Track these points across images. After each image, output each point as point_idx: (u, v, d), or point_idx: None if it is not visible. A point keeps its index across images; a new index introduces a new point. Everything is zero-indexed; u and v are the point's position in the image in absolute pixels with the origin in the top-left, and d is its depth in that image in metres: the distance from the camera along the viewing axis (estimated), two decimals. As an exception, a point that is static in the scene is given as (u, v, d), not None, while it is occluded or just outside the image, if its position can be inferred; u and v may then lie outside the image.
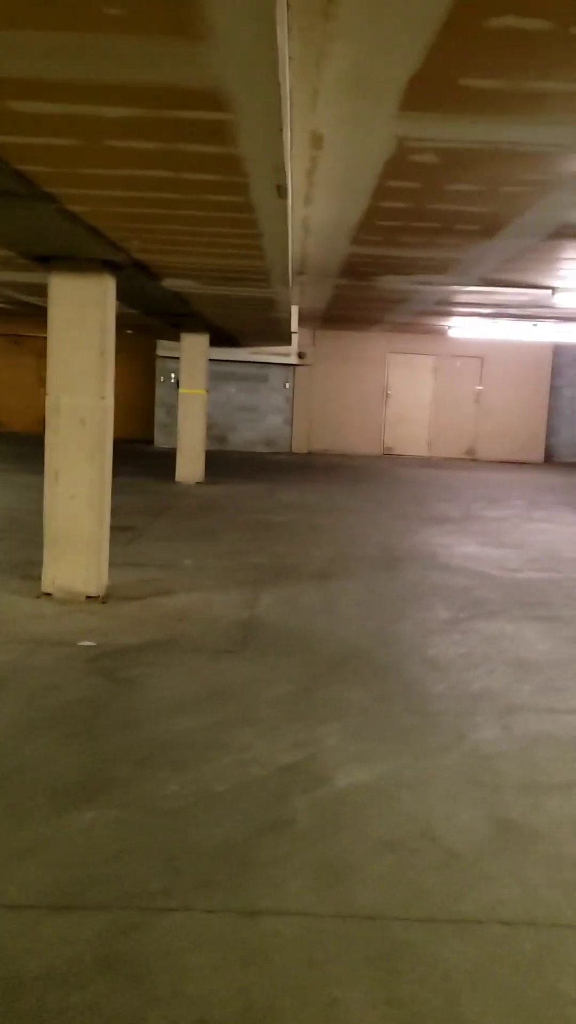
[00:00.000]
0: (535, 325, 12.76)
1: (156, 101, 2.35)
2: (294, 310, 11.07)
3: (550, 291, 8.38)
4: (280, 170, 2.90)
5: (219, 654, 4.82)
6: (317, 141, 3.91)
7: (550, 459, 17.99)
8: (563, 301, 8.40)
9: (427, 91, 3.16)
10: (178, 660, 4.68)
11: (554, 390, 17.90)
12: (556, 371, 17.84)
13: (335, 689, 4.37)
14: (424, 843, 2.96)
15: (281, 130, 2.46)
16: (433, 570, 7.28)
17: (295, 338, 15.44)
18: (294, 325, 12.19)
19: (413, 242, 6.27)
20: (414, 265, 7.44)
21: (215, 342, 12.98)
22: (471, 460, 17.59)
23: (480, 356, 17.35)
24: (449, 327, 14.10)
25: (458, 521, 9.90)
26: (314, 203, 5.21)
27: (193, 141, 2.75)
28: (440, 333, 15.57)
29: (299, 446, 17.50)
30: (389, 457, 17.46)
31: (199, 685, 4.34)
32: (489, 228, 5.68)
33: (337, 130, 3.73)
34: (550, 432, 18.00)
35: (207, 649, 4.89)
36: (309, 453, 17.44)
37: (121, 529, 7.93)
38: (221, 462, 14.86)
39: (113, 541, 6.35)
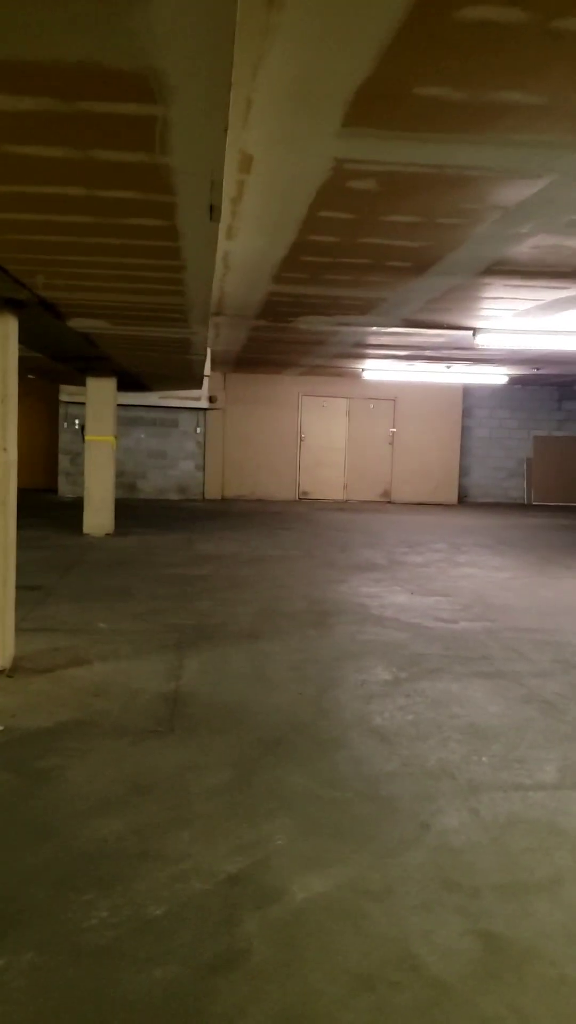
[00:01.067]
0: (449, 367, 12.69)
1: (67, 87, 1.90)
2: (208, 352, 10.68)
3: (471, 332, 8.21)
4: (218, 186, 2.48)
5: (144, 735, 4.26)
6: (246, 163, 3.52)
7: (463, 500, 17.99)
8: (485, 342, 8.25)
9: (376, 103, 2.80)
10: (97, 745, 4.11)
11: (465, 430, 17.97)
12: (467, 412, 17.92)
13: (277, 773, 3.88)
14: (405, 973, 2.49)
15: (226, 131, 2.04)
16: (366, 624, 6.88)
17: (206, 381, 15.05)
18: (207, 368, 11.79)
19: (340, 280, 5.96)
20: (337, 305, 7.15)
21: (123, 386, 12.46)
22: (387, 503, 17.43)
23: (393, 398, 17.29)
24: (363, 369, 13.94)
25: (384, 568, 9.57)
26: (237, 236, 4.82)
27: (112, 147, 2.31)
28: (354, 375, 15.42)
29: (212, 492, 17.02)
30: (305, 502, 17.15)
31: (123, 776, 3.78)
32: (421, 264, 5.40)
33: (269, 150, 3.35)
34: (462, 473, 18.03)
35: (130, 730, 4.33)
36: (223, 499, 16.98)
37: (27, 589, 7.29)
38: (132, 511, 14.25)
39: (19, 603, 5.73)
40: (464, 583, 8.77)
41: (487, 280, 5.88)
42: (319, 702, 4.89)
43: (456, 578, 9.05)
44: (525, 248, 4.98)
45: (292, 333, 9.20)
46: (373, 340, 9.86)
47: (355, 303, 6.96)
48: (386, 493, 17.63)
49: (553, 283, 5.89)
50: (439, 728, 4.54)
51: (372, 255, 5.14)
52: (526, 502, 18.03)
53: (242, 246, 5.04)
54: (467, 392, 17.77)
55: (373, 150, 3.28)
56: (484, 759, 4.13)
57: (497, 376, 14.55)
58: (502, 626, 6.93)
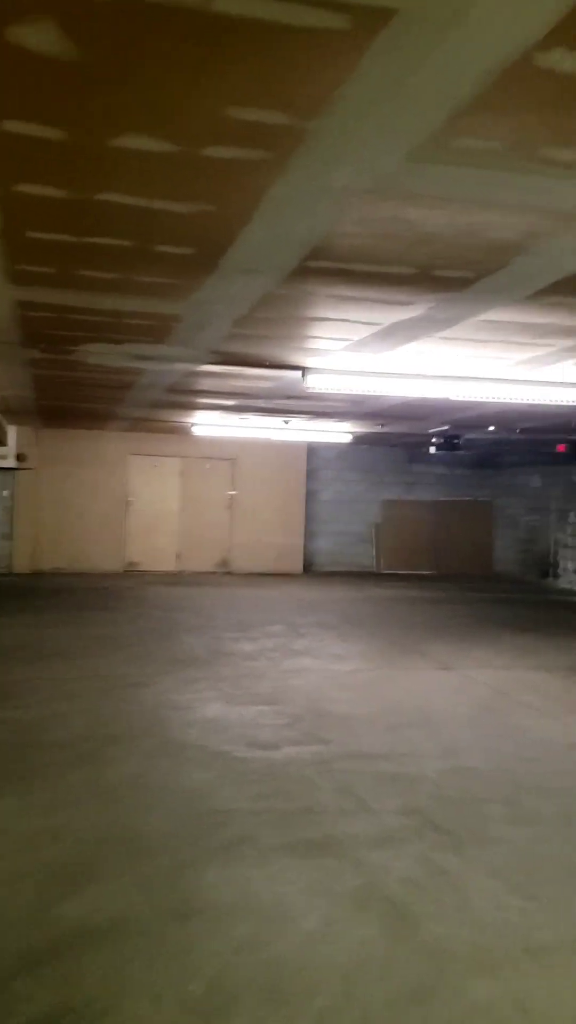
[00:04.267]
0: (287, 422, 11.21)
1: None
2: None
3: (300, 372, 6.66)
4: None
5: None
6: None
7: (309, 569, 16.44)
8: (317, 384, 6.71)
9: None
10: None
11: (311, 494, 16.54)
12: (312, 474, 16.52)
13: None
14: None
15: None
16: (159, 757, 5.03)
17: (11, 437, 12.98)
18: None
19: (102, 280, 4.25)
20: (121, 327, 5.43)
21: None
22: (225, 574, 15.66)
23: (231, 458, 15.69)
24: (192, 424, 12.27)
25: (204, 663, 7.74)
26: None
27: None
28: (186, 432, 13.72)
29: (22, 565, 14.76)
30: (133, 574, 15.13)
31: None
32: (206, 252, 3.76)
33: None
34: (308, 539, 16.53)
35: None
36: (36, 573, 14.73)
37: None
38: None
39: None
40: (297, 682, 7.04)
41: (305, 286, 4.31)
42: (55, 929, 2.99)
43: (289, 674, 7.32)
44: (348, 226, 3.42)
45: (85, 370, 7.41)
46: (191, 385, 8.19)
47: (142, 322, 5.25)
48: (224, 563, 15.87)
49: (389, 293, 4.37)
50: (235, 993, 2.73)
51: (130, 229, 3.46)
52: (375, 570, 16.68)
53: None
54: (312, 452, 16.39)
55: None
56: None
57: (341, 434, 13.20)
58: (338, 751, 5.22)
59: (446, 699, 6.58)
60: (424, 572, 16.53)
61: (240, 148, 2.71)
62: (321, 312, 4.91)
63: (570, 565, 14.96)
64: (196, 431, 12.80)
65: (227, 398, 9.22)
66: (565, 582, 15.01)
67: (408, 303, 4.57)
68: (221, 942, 3.03)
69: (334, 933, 3.10)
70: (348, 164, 2.87)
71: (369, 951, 2.98)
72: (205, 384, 8.12)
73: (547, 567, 15.58)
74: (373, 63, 2.18)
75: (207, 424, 12.09)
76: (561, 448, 11.96)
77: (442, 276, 4.06)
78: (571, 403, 7.41)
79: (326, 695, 6.60)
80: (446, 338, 5.41)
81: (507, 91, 2.29)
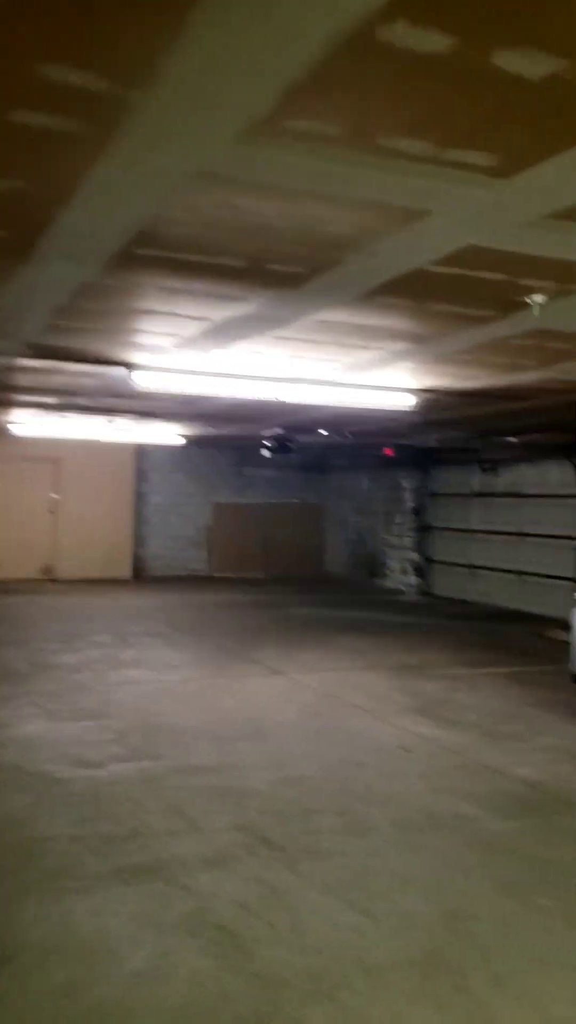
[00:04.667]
0: (111, 421, 10.83)
1: None
2: None
3: (126, 369, 6.37)
4: None
5: None
6: None
7: (140, 574, 16.03)
8: (145, 382, 6.44)
9: None
10: None
11: (140, 497, 16.15)
12: (142, 476, 16.13)
13: None
14: None
15: None
16: (-34, 781, 4.62)
17: None
18: None
19: None
20: None
21: None
22: (49, 580, 14.99)
23: (55, 459, 15.05)
24: (9, 423, 11.63)
25: (23, 677, 7.28)
26: None
27: None
28: (2, 431, 13.00)
29: None
30: (-53, 581, 14.23)
31: None
32: (18, 231, 3.44)
33: None
34: (138, 544, 16.12)
35: None
36: None
37: None
38: None
39: None
40: (124, 694, 6.74)
41: (131, 276, 4.05)
42: None
43: (115, 686, 7.00)
44: (176, 212, 3.21)
45: None
46: (6, 380, 7.70)
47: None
48: (48, 569, 15.19)
49: (220, 287, 4.19)
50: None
51: None
52: (207, 574, 16.49)
53: None
54: (141, 454, 16.00)
55: None
56: None
57: (172, 436, 12.92)
58: (166, 766, 4.98)
59: (276, 706, 6.47)
60: (256, 575, 16.50)
61: (55, 115, 2.45)
62: (149, 305, 4.66)
63: (396, 565, 15.35)
64: (14, 430, 12.15)
65: (47, 396, 8.76)
66: (391, 582, 15.38)
67: (240, 298, 4.41)
68: (38, 990, 2.74)
69: (163, 969, 2.88)
70: (176, 144, 2.66)
71: (200, 986, 2.78)
72: (22, 380, 7.66)
73: (375, 568, 15.92)
74: (200, 28, 1.99)
75: (25, 423, 11.49)
76: (388, 452, 12.21)
77: (275, 271, 3.92)
78: (399, 407, 7.51)
79: (155, 707, 6.33)
80: (279, 337, 5.29)
81: (345, 68, 2.15)
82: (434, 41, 2.02)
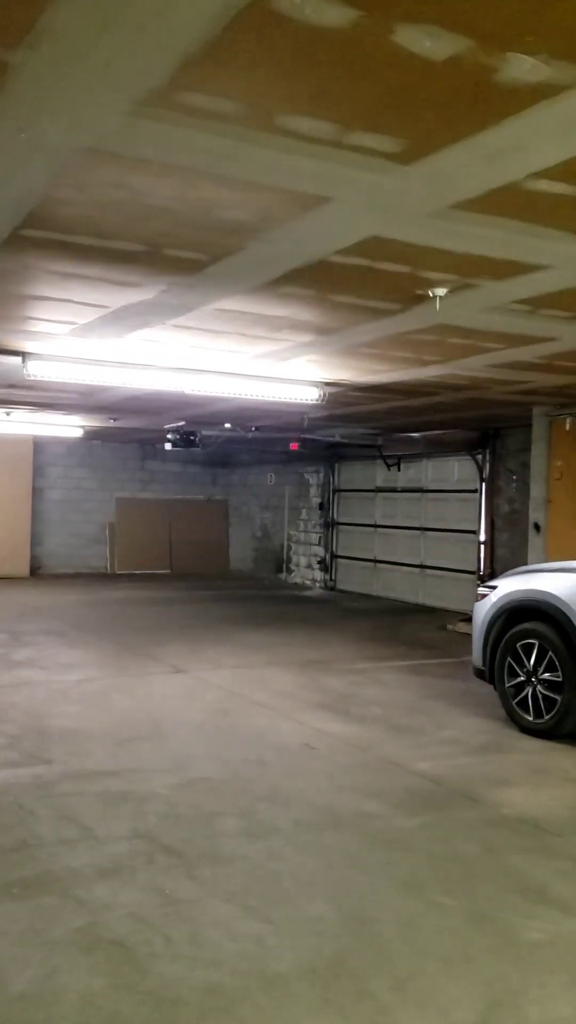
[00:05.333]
0: (8, 414, 10.45)
1: None
2: None
3: (19, 358, 6.11)
4: None
5: None
6: None
7: (36, 572, 15.57)
8: (39, 372, 6.18)
9: None
10: None
11: (37, 492, 15.68)
12: (39, 470, 15.66)
13: None
14: None
15: None
16: None
17: None
18: None
19: None
20: None
21: None
22: (-58, 578, 14.43)
23: (-53, 452, 14.49)
24: None
25: None
26: None
27: None
28: None
29: None
30: None
31: None
32: None
33: None
34: (35, 541, 15.65)
35: None
36: None
37: None
38: None
39: None
40: (18, 697, 6.47)
41: (22, 258, 3.85)
42: None
43: (8, 689, 6.73)
44: (67, 191, 3.04)
45: None
46: None
47: None
48: None
49: (117, 272, 4.01)
50: None
51: None
52: (109, 571, 16.15)
53: None
54: (39, 447, 15.53)
55: None
56: None
57: (70, 428, 12.56)
58: (60, 771, 4.78)
59: (179, 705, 6.33)
60: (160, 572, 16.24)
61: None
62: (42, 290, 4.46)
63: (302, 560, 15.35)
64: None
65: None
66: (297, 577, 15.37)
67: (138, 285, 4.25)
68: None
69: (51, 991, 2.72)
70: (63, 114, 2.51)
71: (90, 1008, 2.63)
72: None
73: (280, 563, 15.89)
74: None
75: None
76: (294, 446, 12.17)
77: (173, 256, 3.78)
78: (304, 401, 7.44)
79: (51, 709, 6.10)
80: (180, 326, 5.14)
81: (241, 39, 2.04)
82: (333, 13, 1.93)
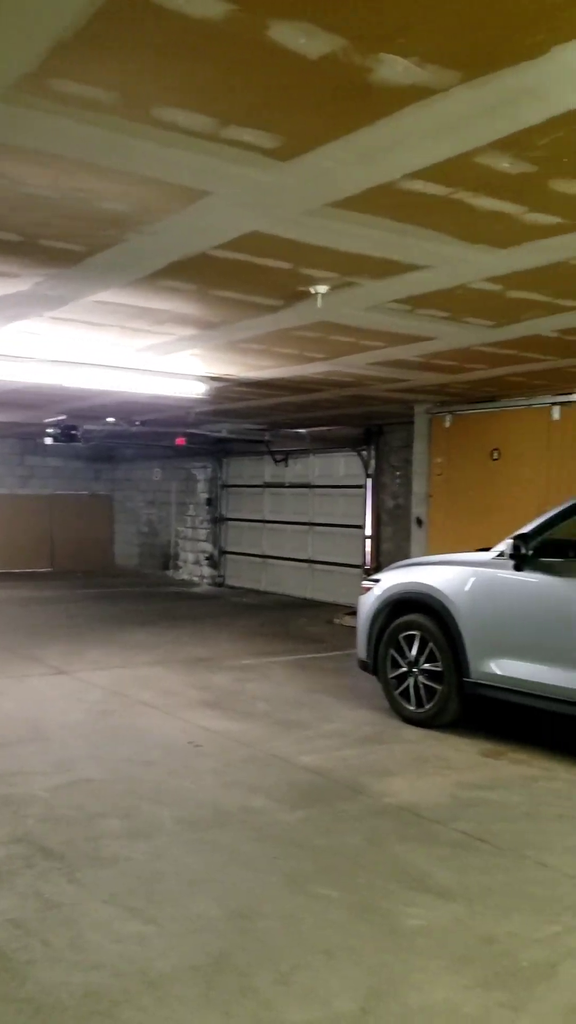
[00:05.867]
0: None
1: None
2: None
3: None
4: None
5: None
6: None
7: None
8: None
9: None
10: None
11: None
12: None
13: None
14: None
15: None
16: None
17: None
18: None
19: None
20: None
21: None
22: None
23: None
24: None
25: None
26: None
27: None
28: None
29: None
30: None
31: None
32: None
33: None
34: None
35: None
36: None
37: None
38: None
39: None
40: None
41: None
42: None
43: None
44: None
45: None
46: None
47: None
48: None
49: (-7, 261, 3.90)
50: None
51: None
52: (-12, 570, 15.65)
53: None
54: None
55: None
56: None
57: (-52, 422, 12.11)
58: None
59: (61, 706, 6.19)
60: (41, 570, 15.84)
61: None
62: None
63: (190, 557, 15.25)
64: None
65: None
66: (185, 573, 15.27)
67: (13, 275, 4.12)
68: None
69: None
70: None
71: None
72: None
73: (168, 559, 15.74)
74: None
75: None
76: (180, 441, 12.06)
77: (50, 247, 3.69)
78: (189, 395, 7.39)
79: None
80: (58, 318, 5.02)
81: (113, 26, 1.99)
82: (207, 5, 1.91)
